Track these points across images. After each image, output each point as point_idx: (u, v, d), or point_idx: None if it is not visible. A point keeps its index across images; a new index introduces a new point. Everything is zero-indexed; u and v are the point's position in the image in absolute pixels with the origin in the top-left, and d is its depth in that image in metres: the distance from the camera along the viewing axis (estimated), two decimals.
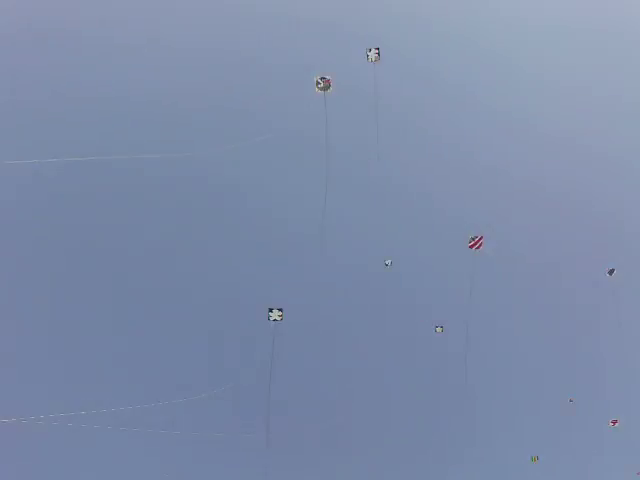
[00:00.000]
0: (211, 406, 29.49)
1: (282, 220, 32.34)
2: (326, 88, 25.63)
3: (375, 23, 30.58)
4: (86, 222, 29.88)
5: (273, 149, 30.82)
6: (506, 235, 31.83)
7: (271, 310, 27.13)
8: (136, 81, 30.30)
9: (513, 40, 32.80)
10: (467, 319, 31.31)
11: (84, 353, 29.60)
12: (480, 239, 28.89)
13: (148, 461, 29.72)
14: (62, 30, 29.77)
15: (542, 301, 33.44)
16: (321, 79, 25.53)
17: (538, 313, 33.55)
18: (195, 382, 29.80)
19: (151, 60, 30.42)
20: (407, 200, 32.97)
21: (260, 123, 29.95)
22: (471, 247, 28.98)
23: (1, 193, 28.49)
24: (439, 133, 32.98)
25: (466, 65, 32.51)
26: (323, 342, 31.56)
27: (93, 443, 28.11)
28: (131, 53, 30.25)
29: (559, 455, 32.71)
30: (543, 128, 32.84)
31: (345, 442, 32.05)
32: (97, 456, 28.91)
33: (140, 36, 30.32)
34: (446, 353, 32.22)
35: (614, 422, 32.58)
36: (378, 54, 25.69)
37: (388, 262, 30.88)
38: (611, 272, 31.71)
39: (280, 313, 27.13)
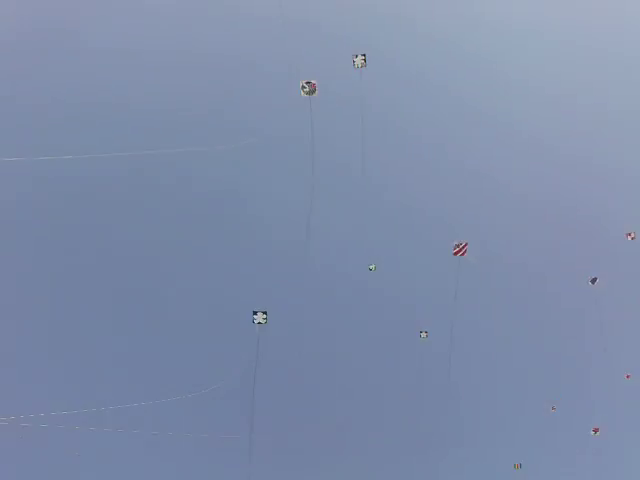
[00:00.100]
0: (195, 407, 29.24)
1: (267, 224, 32.08)
2: (311, 92, 25.53)
3: (361, 27, 30.49)
4: (81, 222, 29.72)
5: (258, 153, 30.59)
6: (491, 241, 31.73)
7: (255, 313, 26.89)
8: (121, 84, 30.08)
9: (500, 44, 32.68)
10: (451, 324, 31.26)
11: (69, 352, 29.31)
12: (464, 246, 28.72)
13: (132, 461, 29.44)
14: (61, 32, 29.72)
15: (526, 307, 33.30)
16: (306, 83, 25.44)
17: (522, 319, 33.39)
18: (179, 384, 29.40)
19: (137, 63, 30.18)
20: (392, 205, 32.73)
21: (245, 127, 29.79)
22: (455, 254, 28.82)
23: (1, 193, 28.25)
24: (425, 138, 32.79)
25: (453, 70, 32.33)
26: (307, 346, 31.23)
27: (77, 443, 27.79)
28: (117, 57, 30.07)
29: (542, 458, 32.60)
30: (529, 133, 32.72)
31: (331, 444, 31.79)
32: (86, 456, 28.59)
33: (125, 40, 30.12)
34: (430, 357, 32.01)
35: (595, 430, 32.43)
36: (364, 60, 25.58)
37: (372, 267, 30.73)
38: (593, 281, 31.72)
39: (264, 316, 26.89)
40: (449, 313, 31.21)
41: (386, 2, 31.05)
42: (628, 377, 32.79)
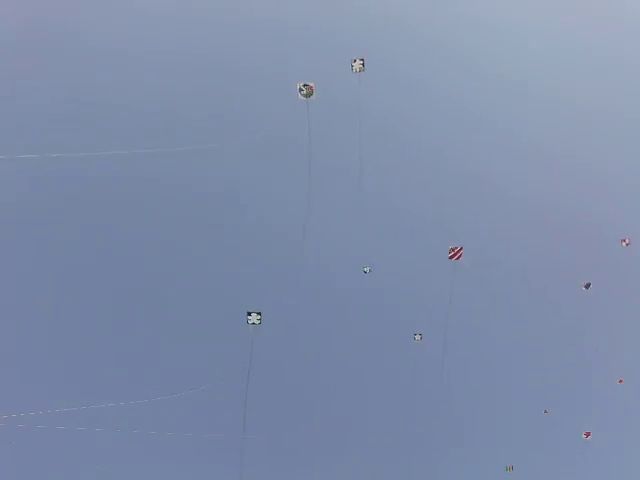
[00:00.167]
0: (187, 407, 29.40)
1: (263, 225, 32.05)
2: (309, 94, 25.29)
3: (359, 30, 30.43)
4: (75, 223, 29.63)
5: (255, 155, 30.61)
6: (485, 245, 31.72)
7: (250, 314, 26.65)
8: (121, 85, 29.94)
9: (499, 49, 32.67)
10: (445, 327, 31.25)
11: (64, 353, 29.26)
12: (459, 250, 28.59)
13: (124, 460, 29.42)
14: (63, 33, 29.54)
15: (520, 311, 33.33)
16: (304, 85, 25.17)
17: (515, 323, 33.40)
18: (173, 383, 29.27)
19: (137, 64, 30.03)
20: (388, 208, 32.78)
21: (242, 128, 29.49)
22: (451, 258, 28.66)
23: (1, 194, 28.13)
24: (422, 141, 32.73)
25: (451, 74, 32.27)
26: (301, 347, 31.37)
27: (69, 443, 27.64)
28: (118, 58, 29.93)
29: (533, 461, 32.75)
30: (527, 139, 32.68)
31: (324, 444, 31.88)
32: (76, 456, 28.59)
33: (126, 42, 29.95)
34: (424, 360, 32.03)
35: (587, 434, 32.41)
36: (363, 65, 25.35)
37: (367, 269, 30.66)
38: (587, 286, 31.59)
39: (259, 317, 26.63)
40: (444, 316, 31.17)
41: (385, 6, 30.92)
42: (621, 382, 32.88)
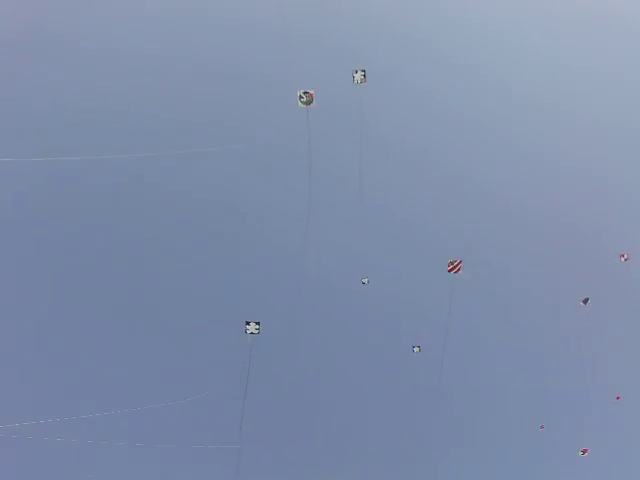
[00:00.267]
0: (183, 417, 28.98)
1: (262, 234, 31.49)
2: (309, 102, 25.00)
3: (361, 38, 30.18)
4: (70, 231, 29.16)
5: (254, 162, 30.25)
6: (485, 259, 31.29)
7: (248, 323, 26.41)
8: (122, 89, 29.56)
9: (501, 59, 32.28)
10: (444, 340, 30.94)
11: (60, 359, 28.81)
12: (458, 264, 28.39)
13: (118, 470, 28.77)
14: (61, 38, 29.35)
15: (518, 326, 32.86)
16: (304, 93, 24.91)
17: (514, 338, 32.95)
18: (169, 392, 28.85)
19: (137, 68, 29.70)
20: (388, 219, 32.33)
21: (241, 135, 29.24)
22: (450, 271, 28.49)
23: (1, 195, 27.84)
24: (423, 152, 32.37)
25: (453, 83, 31.92)
26: (300, 357, 30.75)
27: (58, 452, 26.98)
28: (119, 61, 29.65)
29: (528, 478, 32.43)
30: (531, 151, 32.28)
31: (322, 455, 31.42)
32: (66, 465, 27.92)
33: (127, 45, 29.64)
34: (423, 372, 31.61)
35: (584, 451, 31.95)
36: (364, 76, 25.18)
37: (365, 280, 30.36)
38: (585, 301, 31.17)
39: (257, 326, 26.42)
40: (442, 329, 30.86)
41: (388, 16, 30.63)
42: (618, 398, 32.37)
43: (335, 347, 31.71)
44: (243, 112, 30.16)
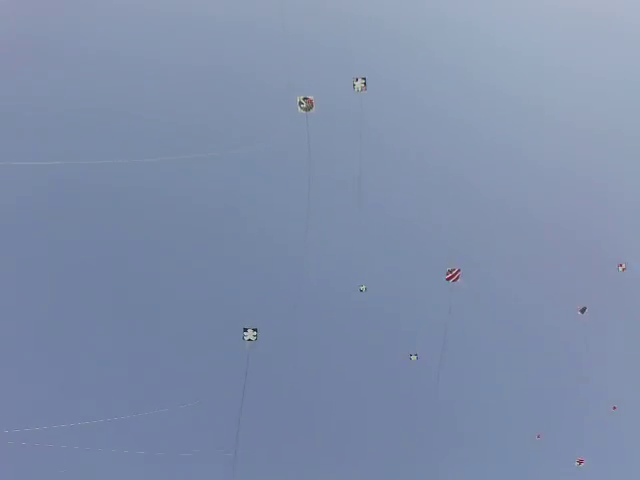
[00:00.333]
0: (181, 422, 28.82)
1: (261, 240, 31.18)
2: (309, 108, 24.85)
3: (362, 44, 30.04)
4: (72, 232, 29.03)
5: (254, 168, 30.06)
6: (483, 267, 31.16)
7: (246, 330, 26.26)
8: (122, 93, 29.47)
9: (501, 66, 32.13)
10: (442, 348, 30.80)
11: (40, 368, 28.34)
12: (457, 272, 28.24)
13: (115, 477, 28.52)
14: (62, 41, 29.22)
15: (516, 335, 32.61)
16: (304, 99, 24.76)
17: (512, 347, 32.71)
18: (167, 398, 28.66)
19: (138, 72, 29.55)
20: (387, 226, 32.09)
21: (242, 140, 28.84)
22: (448, 279, 28.35)
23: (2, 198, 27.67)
24: (423, 158, 32.20)
25: (453, 91, 31.75)
26: (297, 364, 30.47)
27: (50, 458, 26.86)
28: (120, 66, 29.52)
29: None
30: (530, 160, 32.06)
31: (319, 461, 31.10)
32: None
33: (128, 50, 29.53)
34: (420, 380, 31.51)
35: (580, 461, 31.71)
36: (364, 84, 25.10)
37: (362, 288, 30.21)
38: (583, 310, 31.03)
39: (255, 333, 26.29)
40: (441, 336, 30.69)
41: (389, 23, 30.57)
42: (615, 409, 32.15)
43: (333, 352, 31.53)
44: (243, 117, 30.03)
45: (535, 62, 31.88)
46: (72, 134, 28.50)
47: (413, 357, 31.04)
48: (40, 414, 26.54)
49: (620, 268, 31.19)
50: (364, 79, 25.08)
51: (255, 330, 26.20)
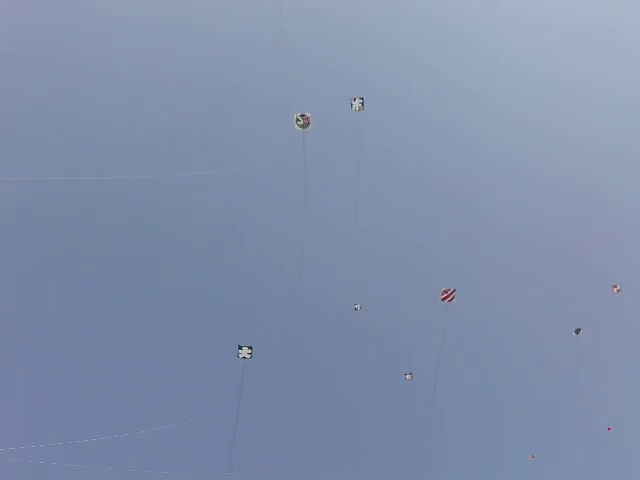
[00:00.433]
0: (174, 442, 28.23)
1: (256, 257, 30.86)
2: (305, 125, 24.52)
3: (359, 62, 29.87)
4: (69, 247, 28.44)
5: (250, 183, 29.57)
6: (479, 288, 30.93)
7: (241, 347, 25.91)
8: (119, 108, 29.07)
9: (498, 83, 31.98)
10: (437, 368, 30.51)
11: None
12: (452, 292, 27.93)
13: None
14: (62, 56, 28.67)
15: (511, 355, 32.30)
16: (301, 116, 24.43)
17: (506, 367, 32.48)
18: (161, 417, 27.81)
19: (131, 87, 29.23)
20: (383, 245, 31.79)
21: (237, 157, 28.66)
22: (443, 300, 28.07)
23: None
24: (419, 177, 31.95)
25: (452, 109, 31.60)
26: (291, 382, 30.08)
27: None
28: (117, 81, 29.13)
29: None
30: (527, 180, 31.97)
31: (314, 475, 30.69)
32: None
33: (124, 65, 29.22)
34: (414, 400, 31.23)
35: None
36: (362, 104, 24.91)
37: (357, 307, 29.87)
38: (577, 331, 30.78)
39: (249, 351, 25.90)
40: (435, 357, 30.43)
41: (387, 40, 30.56)
42: (609, 429, 31.93)
43: (328, 368, 31.22)
44: (239, 135, 29.75)
45: (535, 78, 31.80)
46: (71, 148, 28.14)
47: (408, 376, 30.76)
48: (32, 432, 25.87)
49: (615, 289, 30.93)
50: (362, 99, 24.92)
51: (250, 348, 25.84)
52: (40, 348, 27.70)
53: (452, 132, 31.75)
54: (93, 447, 25.56)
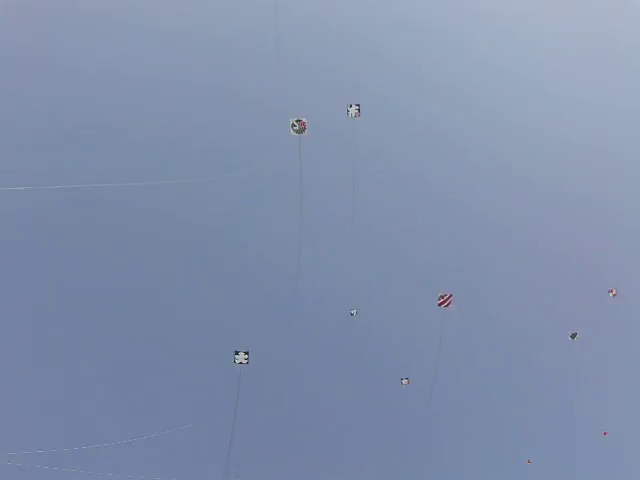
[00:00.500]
0: (169, 448, 28.02)
1: (252, 263, 30.77)
2: (301, 131, 24.47)
3: (356, 68, 29.75)
4: (68, 254, 28.55)
5: (246, 190, 29.55)
6: (475, 293, 30.66)
7: (237, 353, 25.80)
8: (114, 114, 29.09)
9: (497, 91, 31.88)
10: (435, 373, 30.37)
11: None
12: (449, 298, 27.86)
13: None
14: (61, 64, 28.93)
15: (507, 360, 31.99)
16: (297, 121, 24.41)
17: (503, 372, 32.10)
18: (156, 424, 27.70)
19: (126, 93, 29.25)
20: (380, 251, 31.63)
21: (232, 163, 28.59)
22: (440, 305, 28.00)
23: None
24: (417, 183, 31.81)
25: (448, 115, 31.48)
26: (288, 388, 29.92)
27: None
28: (114, 87, 29.19)
29: None
30: (523, 184, 31.81)
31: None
32: None
33: (121, 70, 29.28)
34: (411, 405, 30.91)
35: None
36: (358, 110, 24.97)
37: (353, 312, 29.81)
38: (574, 336, 30.63)
39: (246, 356, 25.81)
40: (432, 362, 30.24)
41: (384, 46, 30.52)
42: (605, 434, 31.48)
43: (325, 375, 31.04)
44: (234, 140, 29.66)
45: (533, 88, 31.73)
46: (69, 153, 28.20)
47: (404, 381, 30.57)
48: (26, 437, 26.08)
49: (610, 294, 30.72)
50: (358, 105, 24.94)
51: (246, 353, 25.72)
52: (37, 356, 27.77)
53: (448, 138, 31.65)
54: (88, 453, 25.57)
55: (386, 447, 30.73)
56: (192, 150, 29.38)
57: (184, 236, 29.94)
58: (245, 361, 25.73)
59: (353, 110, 25.00)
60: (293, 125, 24.36)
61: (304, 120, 24.31)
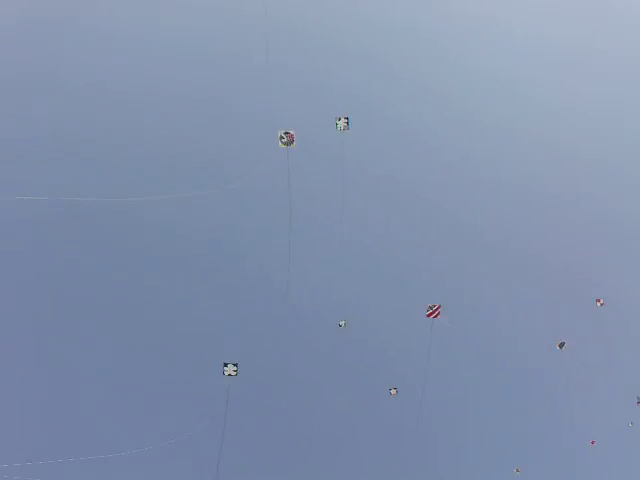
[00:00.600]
0: (158, 461, 27.34)
1: (241, 275, 30.44)
2: (289, 142, 24.10)
3: (344, 79, 29.82)
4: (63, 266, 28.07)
5: (235, 203, 29.26)
6: (463, 303, 30.63)
7: (226, 365, 25.19)
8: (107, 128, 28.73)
9: (492, 99, 31.98)
10: (424, 383, 30.14)
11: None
12: (437, 309, 27.63)
13: None
14: (56, 73, 28.58)
15: (495, 370, 32.05)
16: (285, 133, 24.03)
17: (491, 382, 32.05)
18: (144, 437, 27.29)
19: (113, 107, 28.87)
20: (369, 262, 31.46)
21: (221, 176, 28.34)
22: (429, 316, 27.77)
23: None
24: (406, 194, 31.74)
25: (439, 127, 31.54)
26: (277, 400, 29.76)
27: None
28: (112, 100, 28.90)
29: None
30: (511, 196, 31.86)
31: None
32: None
33: (113, 84, 28.95)
34: (400, 416, 30.78)
35: None
36: (347, 123, 24.70)
37: (342, 323, 29.49)
38: (561, 345, 30.59)
39: (235, 368, 25.20)
40: (422, 372, 30.06)
41: (373, 59, 30.46)
42: (593, 443, 31.63)
43: (314, 387, 30.79)
44: (221, 153, 29.50)
45: (526, 100, 31.84)
46: (67, 167, 27.79)
47: (393, 391, 30.27)
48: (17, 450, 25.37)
49: (598, 303, 30.82)
50: (347, 119, 24.70)
51: (235, 365, 25.16)
52: (37, 359, 27.40)
53: (438, 150, 31.63)
54: (74, 465, 25.14)
55: (378, 458, 30.48)
56: (178, 163, 29.18)
57: (171, 250, 29.59)
58: (234, 373, 25.17)
59: (342, 123, 24.78)
60: (281, 137, 24.03)
61: (292, 132, 24.00)
